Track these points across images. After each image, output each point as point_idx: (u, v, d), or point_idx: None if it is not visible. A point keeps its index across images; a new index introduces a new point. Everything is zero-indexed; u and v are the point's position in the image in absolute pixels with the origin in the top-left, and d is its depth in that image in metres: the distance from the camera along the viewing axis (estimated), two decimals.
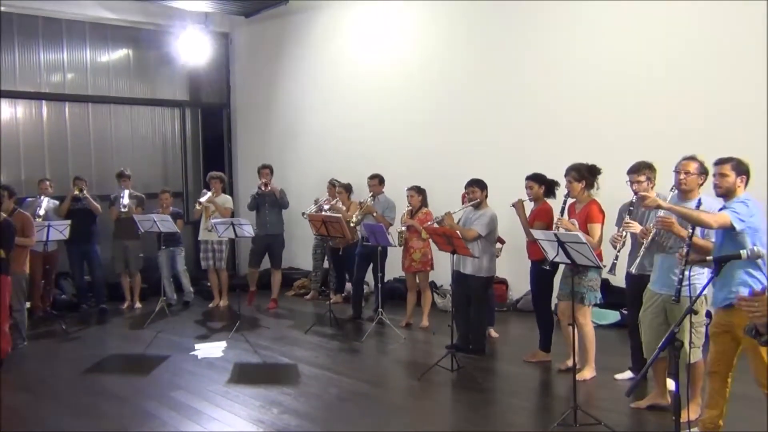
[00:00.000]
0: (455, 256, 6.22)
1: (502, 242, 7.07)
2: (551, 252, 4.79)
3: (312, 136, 10.62)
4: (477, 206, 6.53)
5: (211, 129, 11.96)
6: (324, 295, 9.35)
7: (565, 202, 5.61)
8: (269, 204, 8.96)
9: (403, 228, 7.54)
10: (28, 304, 8.30)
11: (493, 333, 7.16)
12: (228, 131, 12.10)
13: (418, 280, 7.80)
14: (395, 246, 7.51)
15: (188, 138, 11.62)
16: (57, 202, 8.74)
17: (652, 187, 5.01)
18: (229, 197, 9.38)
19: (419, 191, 7.61)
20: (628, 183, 5.05)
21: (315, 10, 10.43)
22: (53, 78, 10.24)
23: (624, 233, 4.83)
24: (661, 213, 4.37)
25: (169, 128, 11.48)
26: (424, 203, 7.64)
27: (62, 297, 9.23)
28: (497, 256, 6.79)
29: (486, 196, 6.56)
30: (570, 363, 5.70)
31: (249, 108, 11.81)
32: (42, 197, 8.54)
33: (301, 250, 9.86)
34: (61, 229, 7.89)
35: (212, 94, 11.94)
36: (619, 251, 4.84)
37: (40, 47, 10.06)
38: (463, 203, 6.89)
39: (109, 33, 10.70)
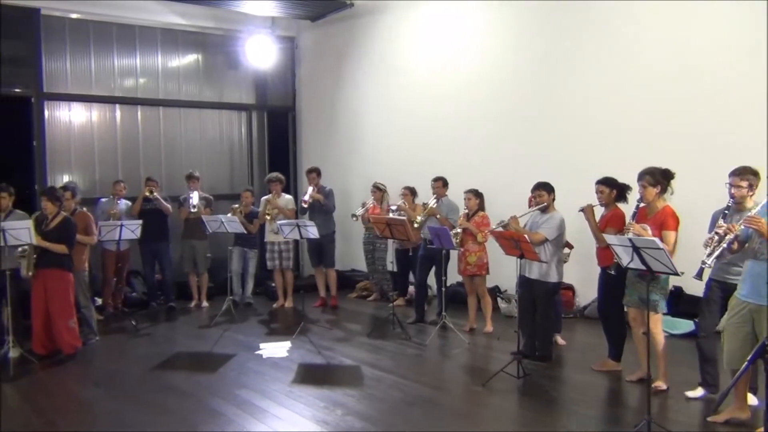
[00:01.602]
0: (521, 260, 6.08)
1: (571, 247, 6.90)
2: (625, 258, 4.62)
3: (375, 139, 10.63)
4: (544, 210, 6.38)
5: (277, 132, 12.12)
6: (386, 298, 9.33)
7: (637, 207, 5.42)
8: (317, 207, 9.04)
9: (459, 230, 7.46)
10: (99, 301, 8.61)
11: (560, 340, 6.98)
12: (293, 134, 12.24)
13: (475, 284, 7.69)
14: (459, 249, 7.43)
15: (254, 140, 11.82)
16: (129, 203, 9.02)
17: (751, 195, 4.77)
18: (291, 198, 9.48)
19: (476, 194, 7.51)
20: (728, 185, 4.81)
21: (379, 14, 10.44)
22: (126, 82, 10.57)
23: (716, 237, 4.60)
24: (753, 212, 4.18)
25: (236, 131, 11.69)
26: (481, 207, 7.54)
27: (133, 295, 9.51)
28: (565, 261, 6.63)
29: (553, 200, 6.41)
30: (641, 373, 5.52)
31: (313, 111, 11.92)
32: (120, 200, 8.83)
33: (362, 252, 9.84)
34: (133, 229, 8.12)
35: (278, 97, 12.10)
36: (711, 256, 4.60)
37: (114, 53, 10.41)
38: (529, 207, 6.75)
39: (180, 38, 10.99)
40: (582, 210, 5.99)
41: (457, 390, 5.91)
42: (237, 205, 9.11)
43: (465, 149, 9.17)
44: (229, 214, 8.30)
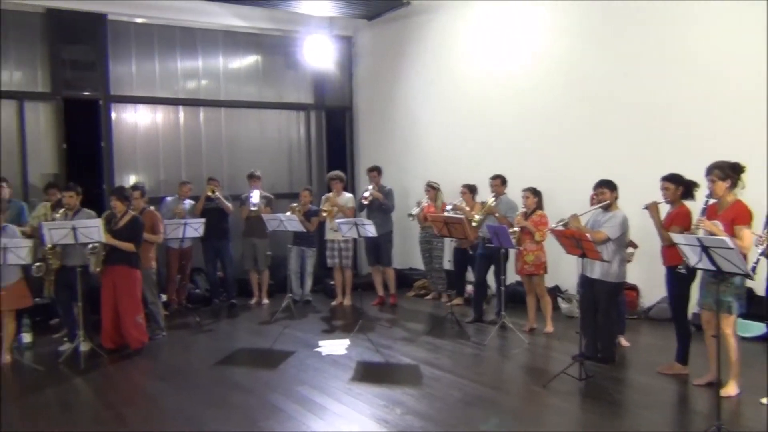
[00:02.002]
0: (582, 259, 5.95)
1: (635, 246, 6.72)
2: (693, 257, 4.46)
3: (431, 137, 10.59)
4: (606, 208, 6.23)
5: (334, 131, 12.22)
6: (442, 294, 9.32)
7: (706, 203, 5.23)
8: (375, 206, 9.07)
9: (516, 229, 7.35)
10: (164, 297, 8.85)
11: (623, 342, 6.81)
12: (350, 133, 12.32)
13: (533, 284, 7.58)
14: (518, 248, 7.34)
15: (312, 140, 11.94)
16: (193, 202, 9.24)
17: None
18: (351, 196, 9.53)
19: (535, 193, 7.39)
20: None
21: (435, 12, 10.39)
22: (189, 84, 10.84)
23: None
24: None
25: (295, 131, 11.84)
26: (539, 205, 7.41)
27: (196, 291, 9.74)
28: (629, 261, 6.47)
29: (616, 198, 6.24)
30: (711, 377, 5.34)
31: (370, 110, 11.96)
32: (185, 200, 9.06)
33: (419, 250, 9.80)
34: (196, 227, 8.31)
35: (335, 96, 12.19)
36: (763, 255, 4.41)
37: (178, 56, 10.68)
38: (591, 205, 6.60)
39: (240, 40, 11.20)
40: (646, 207, 5.81)
41: (516, 390, 5.84)
42: (295, 204, 9.22)
43: (523, 147, 9.04)
44: (287, 213, 8.41)
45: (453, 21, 10.17)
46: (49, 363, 6.65)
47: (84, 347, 6.74)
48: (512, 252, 7.71)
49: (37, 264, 6.92)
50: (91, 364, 6.54)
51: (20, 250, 6.25)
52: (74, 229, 6.44)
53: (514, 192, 7.81)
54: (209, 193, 9.09)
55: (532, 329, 7.51)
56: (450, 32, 10.25)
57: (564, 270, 7.87)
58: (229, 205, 9.31)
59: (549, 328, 7.46)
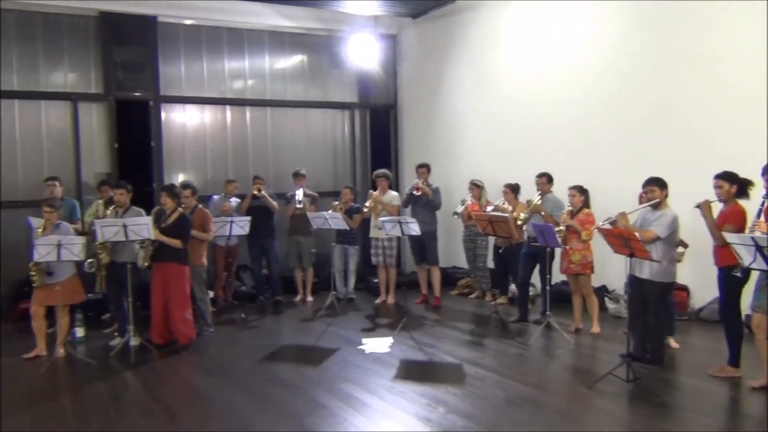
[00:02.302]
0: (630, 259, 5.83)
1: (685, 246, 6.55)
2: (747, 258, 4.33)
3: (476, 136, 10.51)
4: (656, 206, 6.08)
5: (379, 129, 12.24)
6: (486, 293, 9.27)
7: (763, 204, 5.06)
8: (422, 202, 9.05)
9: (562, 227, 7.24)
10: (211, 294, 8.99)
11: (672, 343, 6.65)
12: (394, 131, 12.33)
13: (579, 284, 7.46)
14: (563, 247, 7.23)
15: (357, 138, 11.99)
16: (239, 200, 9.38)
17: None
18: (396, 194, 9.53)
19: (581, 191, 7.26)
20: None
21: (482, 9, 10.31)
22: (236, 84, 11.00)
23: None
24: None
25: (339, 129, 11.90)
26: (585, 204, 7.29)
27: (242, 288, 9.88)
28: (679, 261, 6.31)
29: (666, 196, 6.09)
30: (765, 381, 5.17)
31: (415, 108, 11.94)
32: (231, 198, 9.20)
33: (463, 249, 9.75)
34: (242, 225, 8.43)
35: (380, 95, 12.21)
36: None
37: (225, 56, 10.85)
38: (639, 203, 6.46)
39: (286, 40, 11.31)
40: (698, 206, 5.66)
41: (562, 391, 5.75)
42: (337, 203, 9.28)
43: (569, 145, 8.90)
44: (330, 211, 8.46)
45: (498, 19, 10.08)
46: (100, 357, 6.83)
47: (134, 342, 6.91)
48: (558, 251, 7.60)
49: (90, 260, 7.13)
50: (140, 359, 6.71)
51: (74, 247, 6.44)
52: (125, 226, 6.61)
53: (561, 191, 7.70)
54: (255, 192, 9.21)
55: (578, 329, 7.40)
56: (495, 30, 10.16)
57: (611, 269, 7.74)
58: (275, 203, 9.41)
59: (595, 328, 7.33)
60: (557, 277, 7.98)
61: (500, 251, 8.42)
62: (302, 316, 8.80)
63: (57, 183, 8.36)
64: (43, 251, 6.34)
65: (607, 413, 5.12)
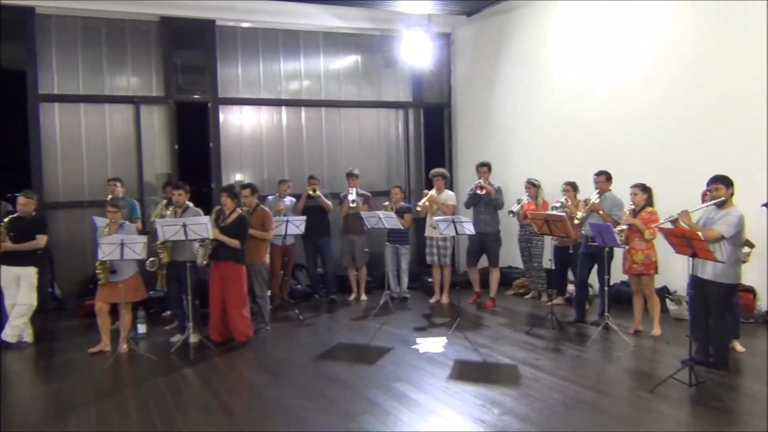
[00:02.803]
0: (693, 259, 5.65)
1: (751, 246, 6.32)
2: None
3: (533, 134, 10.37)
4: (721, 205, 5.87)
5: (433, 128, 12.22)
6: (542, 293, 9.14)
7: None
8: (484, 202, 8.96)
9: (624, 227, 7.06)
10: (268, 292, 9.12)
11: (738, 347, 6.42)
12: (448, 130, 12.27)
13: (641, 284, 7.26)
14: (623, 247, 7.05)
15: (410, 138, 11.98)
16: (294, 200, 9.50)
17: None
18: (452, 194, 9.48)
19: (644, 189, 7.07)
20: None
21: (537, 6, 10.17)
22: (291, 85, 11.14)
23: None
24: None
25: (393, 129, 11.92)
26: (648, 202, 7.08)
27: (297, 287, 10.00)
28: (744, 261, 6.09)
29: (732, 194, 5.87)
30: None
31: (469, 106, 11.86)
32: (285, 197, 9.31)
33: (518, 248, 9.62)
34: (298, 224, 8.53)
35: (434, 94, 12.18)
36: None
37: (281, 58, 11.01)
38: (702, 202, 6.26)
39: (340, 41, 11.40)
40: (765, 205, 5.45)
41: (621, 394, 5.62)
42: (387, 203, 9.30)
43: (629, 143, 8.68)
44: (383, 211, 8.48)
45: (553, 15, 9.92)
46: (161, 353, 7.03)
47: (193, 339, 7.07)
48: (617, 251, 7.42)
49: (151, 259, 7.33)
50: (199, 355, 6.86)
51: (136, 246, 6.63)
52: (184, 225, 6.77)
53: (621, 189, 7.52)
54: (310, 192, 9.30)
55: (637, 331, 7.22)
56: (550, 27, 10.00)
57: (673, 270, 7.53)
58: (330, 203, 9.49)
59: (656, 330, 7.14)
60: (616, 277, 7.80)
61: (569, 250, 8.29)
62: (356, 314, 8.85)
63: (119, 183, 8.63)
64: (106, 250, 6.55)
65: (668, 418, 4.97)
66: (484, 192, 8.94)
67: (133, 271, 7.05)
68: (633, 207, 7.15)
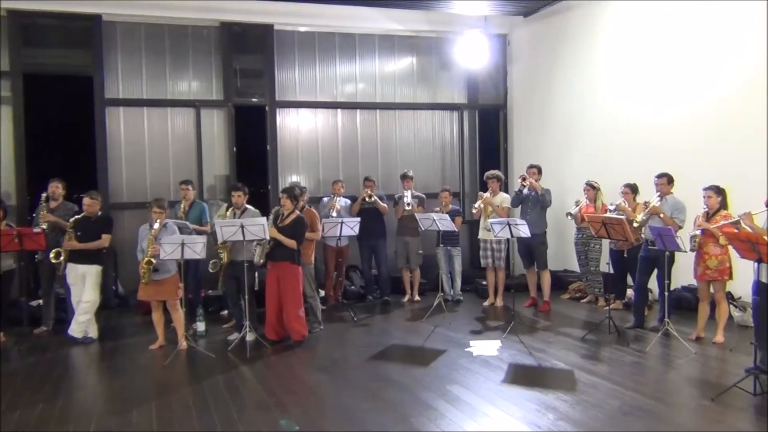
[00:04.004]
0: (758, 264, 5.45)
1: None
2: None
3: (591, 136, 10.18)
4: None
5: (488, 130, 12.14)
6: (599, 298, 8.98)
7: None
8: (531, 203, 8.85)
9: (697, 232, 6.85)
10: (322, 293, 9.24)
11: None
12: (504, 132, 12.17)
13: (712, 290, 7.03)
14: (684, 251, 6.85)
15: (465, 139, 11.93)
16: (348, 200, 9.58)
17: None
18: (507, 196, 9.40)
19: (718, 191, 6.84)
20: None
21: (595, 5, 10.00)
22: (347, 88, 11.24)
23: None
24: None
25: (448, 130, 11.89)
26: (722, 205, 6.86)
27: (351, 288, 10.08)
28: None
29: None
30: None
31: (525, 108, 11.74)
32: (338, 198, 9.41)
33: (575, 252, 9.46)
34: (352, 226, 8.60)
35: (489, 95, 12.10)
36: None
37: (337, 61, 11.12)
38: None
39: (396, 43, 11.45)
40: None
41: (681, 403, 5.47)
42: (438, 208, 9.31)
43: (691, 144, 8.41)
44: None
45: (612, 15, 9.73)
46: (219, 350, 7.18)
47: (250, 337, 7.20)
48: (679, 255, 7.21)
49: (213, 261, 7.53)
50: (256, 354, 6.98)
51: (196, 246, 6.81)
52: (242, 226, 6.91)
53: (687, 192, 7.31)
54: (366, 198, 9.34)
55: (699, 338, 7.02)
56: (610, 27, 9.81)
57: (737, 275, 7.26)
58: (385, 206, 9.53)
59: (719, 337, 6.92)
60: (676, 282, 7.60)
61: (624, 255, 8.13)
62: (410, 316, 8.86)
63: (190, 187, 8.85)
64: (168, 249, 6.74)
65: (731, 428, 4.82)
66: (527, 187, 8.81)
67: (175, 270, 7.21)
68: (706, 210, 6.93)
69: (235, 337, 7.45)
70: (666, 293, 7.03)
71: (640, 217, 7.39)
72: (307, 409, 5.44)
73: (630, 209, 7.84)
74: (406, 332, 7.96)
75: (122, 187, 10.01)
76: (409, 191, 9.55)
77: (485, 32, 11.24)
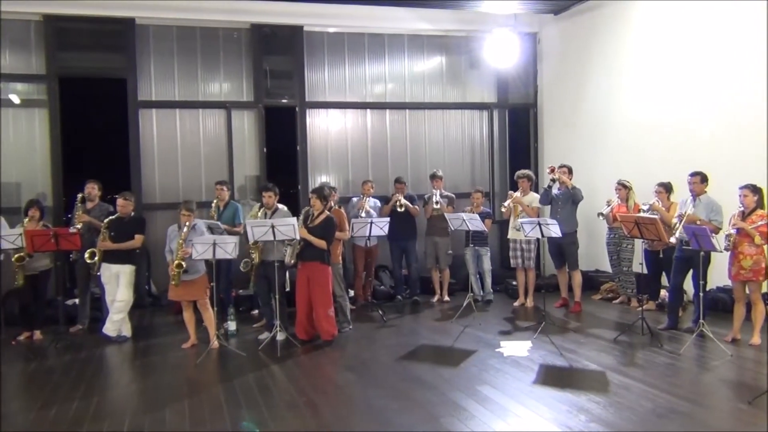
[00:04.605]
0: None
1: None
2: None
3: (622, 135, 10.04)
4: None
5: (518, 129, 12.05)
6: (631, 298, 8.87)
7: None
8: (562, 201, 8.75)
9: (732, 231, 6.72)
10: (351, 293, 9.26)
11: None
12: (534, 131, 12.07)
13: (747, 291, 6.89)
14: (720, 251, 6.72)
15: (495, 139, 11.86)
16: (377, 201, 9.58)
17: None
18: (537, 196, 9.32)
19: (754, 190, 6.70)
20: None
21: (627, 3, 9.85)
22: (376, 89, 11.25)
23: None
24: None
25: (477, 130, 11.83)
26: (759, 204, 6.71)
27: (380, 287, 10.09)
28: None
29: None
30: None
31: (556, 107, 11.63)
32: (367, 197, 9.43)
33: (606, 252, 9.34)
34: (381, 226, 8.60)
35: (519, 94, 12.01)
36: None
37: (366, 61, 11.14)
38: None
39: (425, 43, 11.43)
40: None
41: (717, 405, 5.37)
42: (469, 208, 9.27)
43: (725, 143, 8.25)
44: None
45: (645, 13, 9.58)
46: (250, 349, 7.24)
47: (280, 337, 7.26)
48: (715, 255, 7.08)
49: (245, 260, 7.60)
50: (286, 353, 7.03)
51: (227, 246, 6.88)
52: (273, 226, 6.96)
53: (723, 190, 7.18)
54: (397, 207, 9.31)
55: (735, 340, 6.88)
56: (642, 24, 9.66)
57: None
58: (417, 208, 9.51)
59: (756, 339, 6.78)
60: (712, 283, 7.46)
61: (659, 255, 8.00)
62: (439, 316, 8.84)
63: (225, 187, 8.95)
64: (200, 249, 6.82)
65: None
66: (555, 184, 8.71)
67: (204, 270, 7.29)
68: (742, 209, 6.80)
69: (265, 336, 7.51)
70: (701, 294, 6.91)
71: (677, 231, 7.18)
72: (336, 408, 5.46)
73: (664, 209, 7.71)
74: (436, 332, 7.94)
75: (155, 187, 10.16)
76: (438, 191, 9.53)
77: (515, 31, 11.15)
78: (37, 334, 7.88)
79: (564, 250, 8.85)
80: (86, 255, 7.70)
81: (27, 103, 9.74)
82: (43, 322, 8.01)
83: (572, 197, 8.72)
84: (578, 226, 8.96)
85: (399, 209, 9.31)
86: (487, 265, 9.49)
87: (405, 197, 9.44)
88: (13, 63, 9.56)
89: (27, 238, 7.23)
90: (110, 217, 7.80)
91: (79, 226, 7.90)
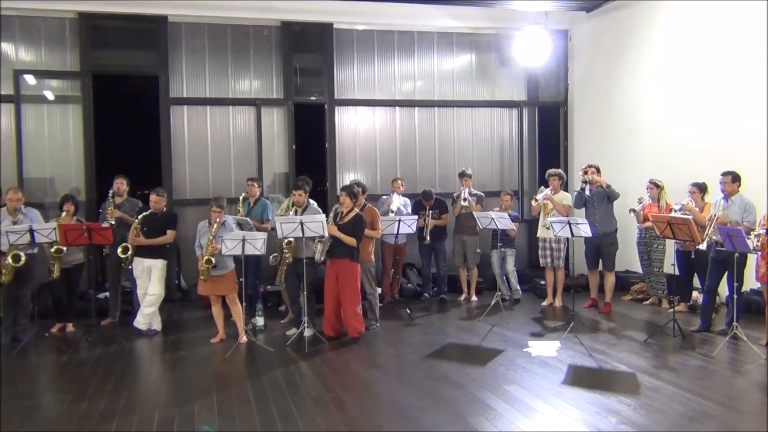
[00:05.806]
0: None
1: None
2: None
3: (654, 134, 9.89)
4: None
5: (548, 127, 11.94)
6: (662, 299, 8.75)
7: None
8: (597, 200, 8.64)
9: (762, 231, 6.58)
10: (379, 290, 9.26)
11: None
12: (564, 129, 11.95)
13: None
14: (756, 252, 6.59)
15: (525, 137, 11.77)
16: (406, 199, 9.57)
17: None
18: (568, 195, 9.24)
19: None
20: None
21: (661, 1, 9.68)
22: (405, 86, 11.23)
23: None
24: None
25: (507, 128, 11.74)
26: None
27: (408, 285, 10.08)
28: None
29: None
30: None
31: (587, 105, 11.50)
32: (395, 194, 9.43)
33: (637, 252, 9.21)
34: (410, 224, 8.60)
35: (549, 92, 11.91)
36: None
37: (395, 59, 11.12)
38: None
39: (455, 41, 11.38)
40: None
41: (750, 409, 5.26)
42: (497, 208, 9.21)
43: (764, 143, 8.08)
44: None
45: (677, 10, 9.42)
46: (278, 345, 7.29)
47: (308, 333, 7.30)
48: (750, 256, 6.94)
49: (274, 255, 7.63)
50: (313, 349, 7.06)
51: (256, 242, 6.93)
52: (302, 223, 6.99)
53: (753, 191, 7.04)
54: (462, 202, 9.33)
55: None
56: (674, 22, 9.50)
57: None
58: (446, 219, 9.52)
59: None
60: (746, 285, 7.31)
61: (691, 255, 7.89)
62: (466, 315, 8.81)
63: (256, 183, 9.03)
64: (230, 245, 6.88)
65: None
66: (589, 178, 8.60)
67: (232, 266, 7.35)
68: None
69: (293, 332, 7.55)
70: (735, 296, 6.78)
71: (707, 237, 7.04)
72: (363, 405, 5.47)
73: (697, 209, 7.58)
74: (463, 331, 7.91)
75: (185, 184, 10.27)
76: (467, 189, 9.49)
77: (546, 28, 11.05)
78: (70, 327, 8.02)
79: (603, 250, 8.72)
80: (119, 250, 7.82)
81: (61, 100, 9.93)
82: (75, 314, 8.16)
83: (608, 195, 8.61)
84: (617, 225, 8.83)
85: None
86: (510, 266, 9.40)
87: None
88: (48, 60, 9.74)
89: (60, 232, 7.35)
90: (143, 213, 7.91)
91: (112, 221, 8.01)
